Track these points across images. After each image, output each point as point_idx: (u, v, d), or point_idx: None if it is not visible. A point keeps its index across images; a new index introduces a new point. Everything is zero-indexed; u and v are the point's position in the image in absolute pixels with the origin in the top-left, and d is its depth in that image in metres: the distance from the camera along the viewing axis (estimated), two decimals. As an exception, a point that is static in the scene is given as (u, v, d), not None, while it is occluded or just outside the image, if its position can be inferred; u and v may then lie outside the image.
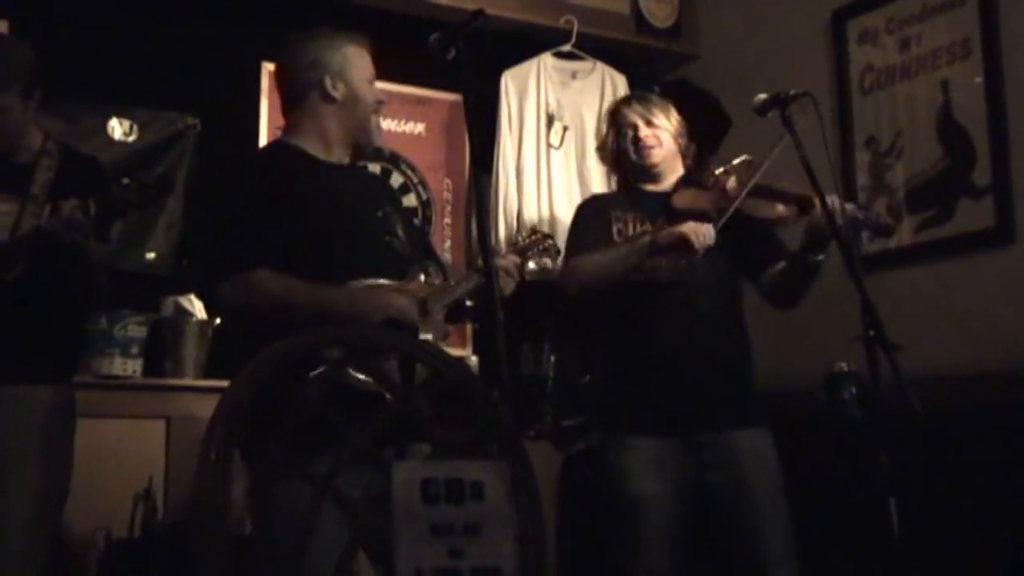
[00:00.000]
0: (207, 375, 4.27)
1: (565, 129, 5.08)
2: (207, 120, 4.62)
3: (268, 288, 2.65)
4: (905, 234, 4.26)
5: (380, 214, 2.89)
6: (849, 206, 3.18)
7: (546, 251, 3.24)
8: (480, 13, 2.47)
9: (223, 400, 1.80)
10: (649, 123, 3.50)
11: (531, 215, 4.93)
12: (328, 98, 2.89)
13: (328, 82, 2.88)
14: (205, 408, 1.87)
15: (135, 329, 4.20)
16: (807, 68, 4.65)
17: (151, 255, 4.59)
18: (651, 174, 3.52)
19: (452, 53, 2.51)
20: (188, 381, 4.24)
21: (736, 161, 3.40)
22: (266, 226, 2.70)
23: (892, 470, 2.64)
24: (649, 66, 5.38)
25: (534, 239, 3.21)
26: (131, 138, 4.53)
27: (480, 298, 2.87)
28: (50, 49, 3.17)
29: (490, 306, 2.34)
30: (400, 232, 2.89)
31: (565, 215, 5.01)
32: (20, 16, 3.98)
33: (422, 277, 2.84)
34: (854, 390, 3.49)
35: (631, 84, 5.15)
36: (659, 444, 3.28)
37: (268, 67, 4.88)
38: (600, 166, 4.62)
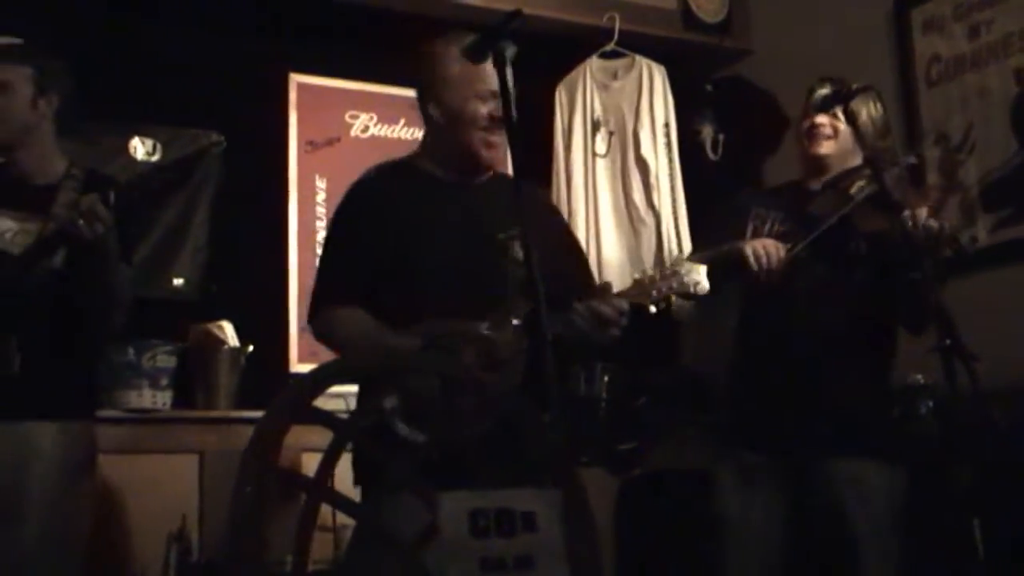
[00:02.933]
0: (240, 406, 4.29)
1: (611, 135, 5.08)
2: (232, 136, 4.66)
3: (339, 332, 2.81)
4: (980, 234, 4.22)
5: (501, 237, 2.87)
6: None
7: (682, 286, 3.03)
8: (517, 13, 2.47)
9: (257, 432, 1.81)
10: (833, 114, 3.29)
11: (579, 230, 4.90)
12: (431, 120, 2.97)
13: (430, 107, 2.95)
14: (240, 440, 1.88)
15: (164, 359, 4.23)
16: (868, 61, 4.62)
17: (178, 281, 4.63)
18: (816, 167, 3.37)
19: (488, 57, 2.52)
20: (221, 412, 4.27)
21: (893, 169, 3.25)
22: (355, 257, 2.82)
23: (974, 488, 2.60)
24: (698, 63, 5.37)
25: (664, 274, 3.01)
26: (154, 157, 4.58)
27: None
28: (67, 68, 3.21)
29: (538, 325, 2.33)
30: (519, 255, 2.86)
31: (609, 228, 5.02)
32: (36, 35, 4.03)
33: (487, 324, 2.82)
34: (931, 403, 3.45)
35: (672, 77, 5.14)
36: (755, 463, 3.24)
37: (296, 79, 4.93)
38: (637, 169, 4.64)
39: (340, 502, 1.95)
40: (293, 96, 4.90)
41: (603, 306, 2.75)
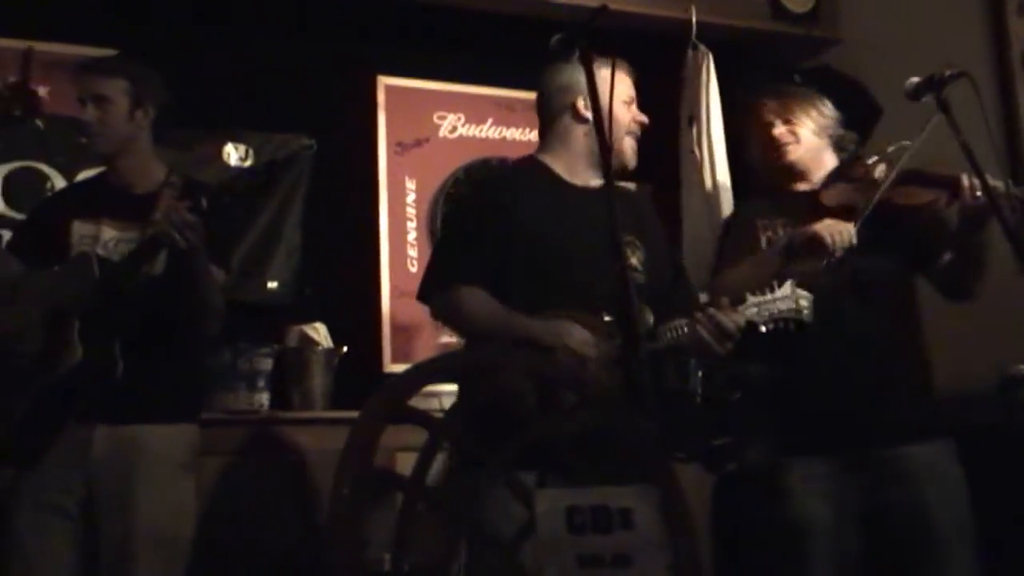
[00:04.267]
0: (335, 406, 4.34)
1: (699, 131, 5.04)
2: (322, 140, 4.71)
3: (467, 307, 2.86)
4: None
5: (617, 240, 2.88)
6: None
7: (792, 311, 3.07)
8: (603, 9, 2.47)
9: (354, 432, 1.83)
10: (786, 120, 3.42)
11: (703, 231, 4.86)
12: (581, 118, 3.04)
13: (581, 102, 3.02)
14: (336, 441, 1.90)
15: (260, 362, 4.29)
16: (962, 46, 4.53)
17: (272, 284, 4.69)
18: (793, 173, 3.44)
19: (576, 54, 2.52)
20: (317, 413, 4.31)
21: (891, 148, 3.31)
22: (483, 243, 2.88)
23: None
24: (785, 54, 5.31)
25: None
26: (247, 162, 4.64)
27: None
28: (159, 78, 3.27)
29: (629, 319, 2.33)
30: (635, 261, 2.93)
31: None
32: (129, 45, 4.12)
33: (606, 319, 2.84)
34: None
35: (759, 67, 5.08)
36: (821, 463, 3.21)
37: (384, 81, 4.97)
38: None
39: (437, 500, 1.96)
40: (381, 98, 4.94)
41: (725, 319, 2.85)
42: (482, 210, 2.98)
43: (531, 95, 4.92)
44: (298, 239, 4.73)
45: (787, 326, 2.90)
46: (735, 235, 3.48)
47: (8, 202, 4.37)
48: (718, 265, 3.45)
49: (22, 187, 4.34)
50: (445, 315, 3.00)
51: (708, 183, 4.91)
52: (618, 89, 2.98)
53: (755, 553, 3.56)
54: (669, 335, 2.91)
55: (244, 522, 3.95)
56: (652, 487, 1.90)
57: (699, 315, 2.82)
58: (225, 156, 4.63)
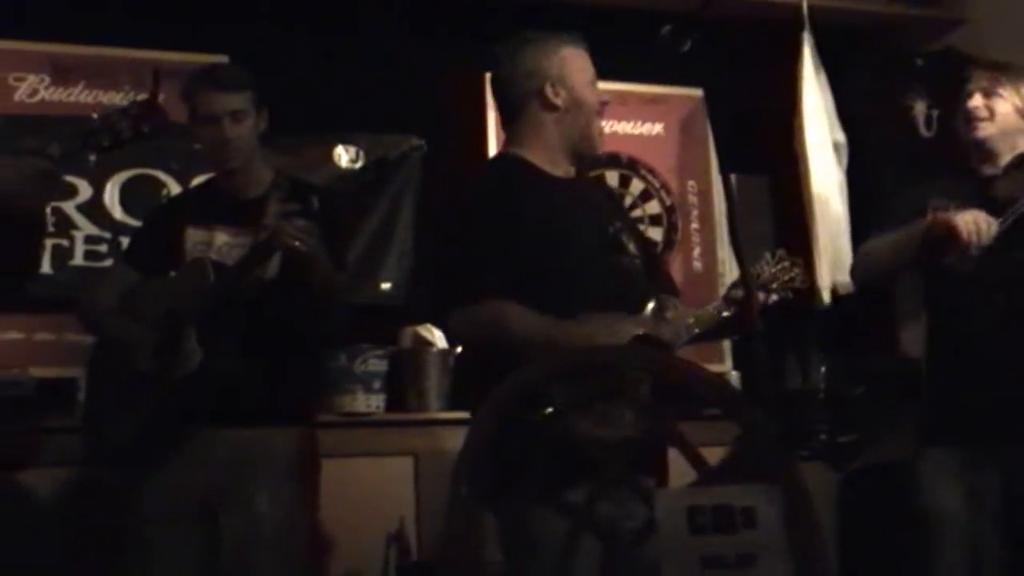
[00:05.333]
0: (452, 407, 4.36)
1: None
2: (432, 139, 4.73)
3: (501, 320, 2.69)
4: None
5: (611, 230, 2.89)
6: None
7: (789, 282, 3.07)
8: (712, -3, 2.44)
9: (470, 433, 1.84)
10: (987, 94, 3.29)
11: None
12: (549, 106, 2.92)
13: (549, 89, 2.91)
14: (453, 441, 1.92)
15: (375, 363, 4.34)
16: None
17: (385, 285, 4.74)
18: (981, 152, 3.33)
19: (687, 45, 2.49)
20: (433, 414, 4.35)
21: None
22: (498, 253, 2.75)
23: None
24: (907, 36, 5.21)
25: (779, 270, 3.07)
26: (358, 164, 4.69)
27: (736, 310, 2.83)
28: (267, 83, 3.32)
29: (748, 316, 2.31)
30: (632, 248, 2.90)
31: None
32: (236, 52, 4.19)
33: (650, 306, 2.82)
34: None
35: (880, 51, 4.99)
36: (959, 455, 3.15)
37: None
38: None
39: (554, 499, 1.97)
40: (490, 95, 4.96)
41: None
42: (492, 218, 2.80)
43: (646, 88, 4.92)
44: (410, 240, 4.77)
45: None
46: (897, 209, 3.38)
47: (125, 209, 4.48)
48: (872, 236, 3.38)
49: (139, 195, 4.45)
50: (476, 331, 2.77)
51: (816, 173, 4.87)
52: (583, 70, 2.94)
53: (884, 549, 3.51)
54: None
55: (361, 523, 4.00)
56: (775, 486, 1.88)
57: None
58: (336, 158, 4.69)
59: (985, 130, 3.27)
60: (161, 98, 3.30)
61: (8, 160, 2.36)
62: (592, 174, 4.38)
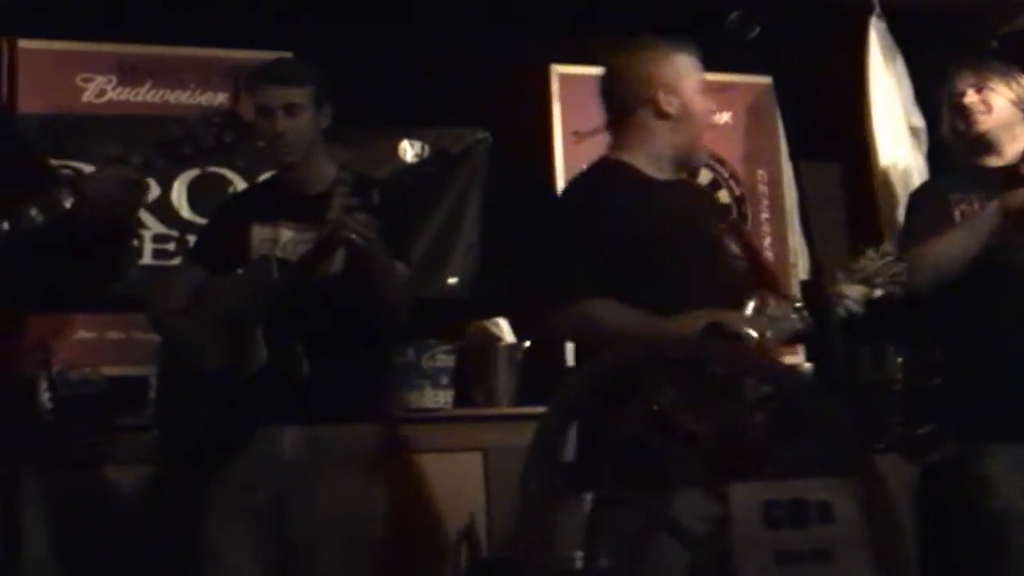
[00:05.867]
0: (520, 402, 4.36)
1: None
2: (498, 132, 4.73)
3: (603, 319, 2.70)
4: None
5: (714, 231, 2.88)
6: None
7: (896, 276, 3.04)
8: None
9: (541, 427, 1.83)
10: (979, 89, 3.37)
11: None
12: (661, 114, 2.91)
13: (661, 97, 2.90)
14: (522, 437, 1.91)
15: (443, 358, 4.35)
16: None
17: (452, 280, 4.75)
18: (983, 145, 3.38)
19: (755, 31, 2.48)
20: (502, 409, 4.35)
21: None
22: (597, 255, 2.75)
23: None
24: (982, 19, 5.12)
25: (884, 264, 3.03)
26: (424, 158, 4.70)
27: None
28: (333, 78, 3.34)
29: (821, 307, 2.29)
30: (735, 249, 2.88)
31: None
32: (302, 48, 4.22)
33: (751, 304, 2.80)
34: None
35: (953, 34, 4.91)
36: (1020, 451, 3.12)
37: (558, 70, 4.97)
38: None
39: (627, 497, 1.96)
40: (556, 87, 4.95)
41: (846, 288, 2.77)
42: (586, 218, 2.82)
43: (713, 76, 4.85)
44: (476, 233, 4.78)
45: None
46: (927, 210, 3.41)
47: (193, 208, 4.53)
48: (907, 240, 3.37)
49: (206, 193, 4.50)
50: (577, 331, 2.82)
51: (887, 159, 4.81)
52: (694, 79, 2.93)
53: (960, 545, 3.48)
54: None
55: (430, 520, 4.01)
56: (851, 480, 1.86)
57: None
58: (401, 153, 4.71)
59: (984, 124, 3.35)
60: (224, 97, 3.37)
61: (97, 173, 2.40)
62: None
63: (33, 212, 2.32)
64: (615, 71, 3.00)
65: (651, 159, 2.92)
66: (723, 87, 5.03)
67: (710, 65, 4.89)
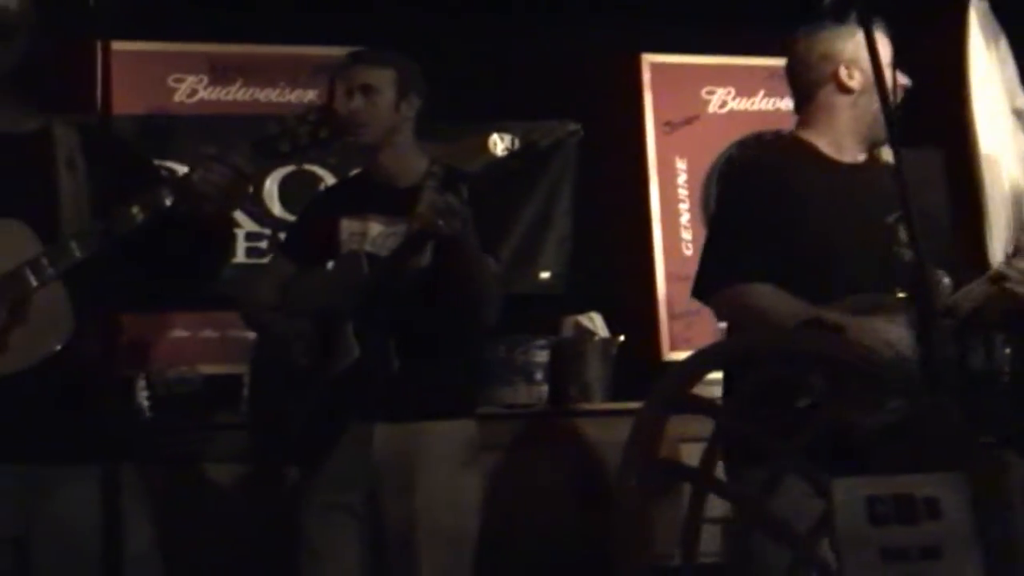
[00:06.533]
0: (615, 397, 4.35)
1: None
2: (588, 124, 4.70)
3: (757, 303, 2.75)
4: None
5: (889, 219, 2.83)
6: None
7: None
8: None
9: (637, 423, 1.82)
10: None
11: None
12: (844, 88, 2.93)
13: (843, 71, 2.92)
14: (617, 432, 1.90)
15: (537, 354, 4.35)
16: None
17: (544, 274, 4.75)
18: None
19: (851, 15, 2.44)
20: (596, 405, 4.34)
21: None
22: (762, 236, 2.79)
23: None
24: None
25: None
26: (513, 153, 4.70)
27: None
28: (424, 73, 3.35)
29: (924, 294, 2.25)
30: (905, 236, 2.83)
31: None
32: (390, 42, 4.25)
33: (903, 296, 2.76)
34: None
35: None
36: None
37: (649, 59, 4.95)
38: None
39: (728, 492, 1.94)
40: (647, 77, 4.93)
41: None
42: (753, 199, 2.87)
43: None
44: (568, 227, 4.77)
45: None
46: None
47: (284, 205, 4.58)
48: None
49: (297, 190, 4.55)
50: (731, 314, 2.91)
51: (989, 144, 4.71)
52: (880, 52, 2.87)
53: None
54: (969, 300, 2.77)
55: (525, 517, 4.02)
56: (960, 474, 1.82)
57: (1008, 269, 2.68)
58: (491, 147, 4.72)
59: None
60: (314, 94, 3.39)
61: (198, 169, 2.43)
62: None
63: (135, 210, 2.35)
64: (796, 55, 3.02)
65: (834, 137, 2.95)
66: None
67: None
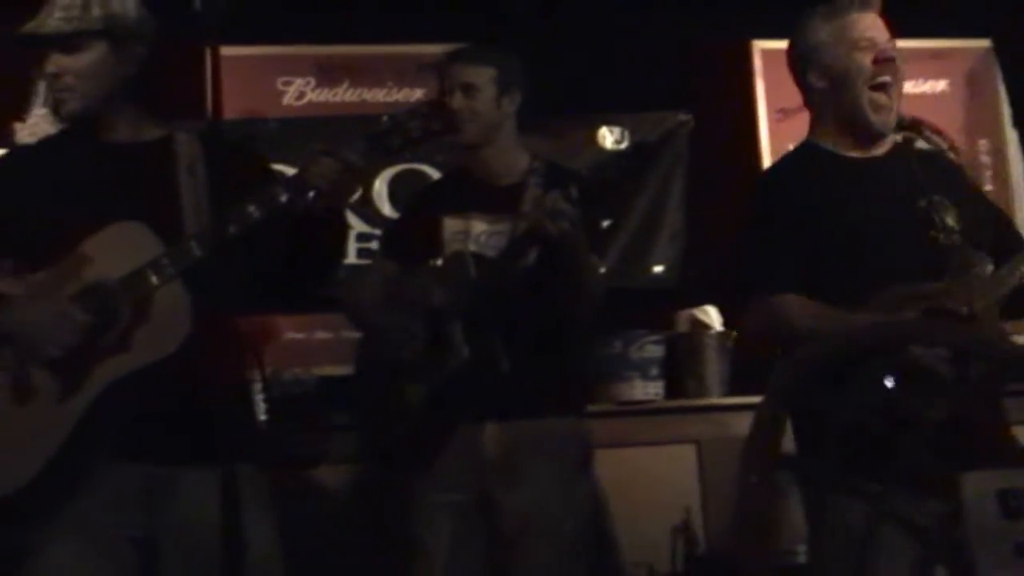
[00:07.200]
0: (732, 392, 4.32)
1: None
2: (699, 114, 4.68)
3: (787, 315, 2.71)
4: None
5: (923, 204, 2.78)
6: None
7: None
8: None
9: (758, 417, 1.81)
10: None
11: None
12: (817, 89, 2.86)
13: (810, 75, 2.85)
14: (737, 428, 1.90)
15: (652, 349, 4.33)
16: None
17: (657, 268, 4.73)
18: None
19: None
20: (714, 400, 4.32)
21: None
22: (787, 246, 2.74)
23: None
24: None
25: None
26: (623, 145, 4.70)
27: None
28: (528, 67, 3.36)
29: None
30: (950, 221, 2.77)
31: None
32: (494, 37, 4.27)
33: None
34: None
35: None
36: None
37: (760, 46, 4.90)
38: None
39: (851, 488, 1.92)
40: (758, 64, 4.88)
41: None
42: (777, 210, 2.81)
43: (927, 43, 4.75)
44: (681, 220, 4.75)
45: None
46: None
47: (394, 205, 4.62)
48: None
49: (406, 190, 4.58)
50: (762, 326, 2.82)
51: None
52: (843, 39, 2.80)
53: None
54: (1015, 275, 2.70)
55: (644, 514, 4.01)
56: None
57: None
58: (600, 140, 4.71)
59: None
60: (421, 93, 3.42)
61: (312, 167, 2.47)
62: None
63: (251, 208, 2.39)
64: (789, 51, 2.95)
65: (829, 136, 2.88)
66: (936, 54, 4.88)
67: (922, 31, 4.78)
